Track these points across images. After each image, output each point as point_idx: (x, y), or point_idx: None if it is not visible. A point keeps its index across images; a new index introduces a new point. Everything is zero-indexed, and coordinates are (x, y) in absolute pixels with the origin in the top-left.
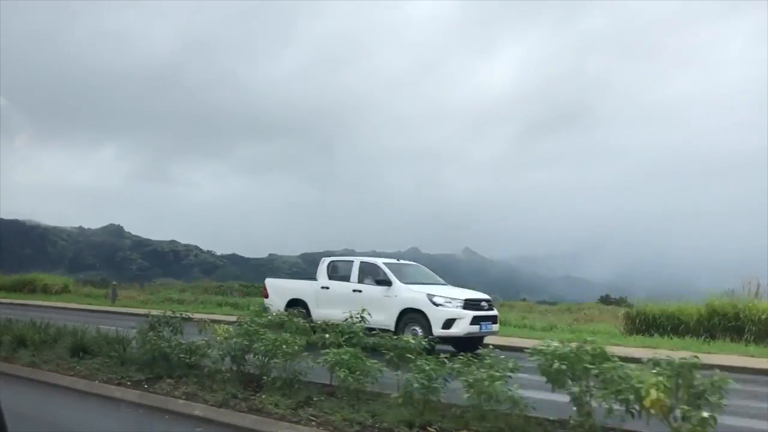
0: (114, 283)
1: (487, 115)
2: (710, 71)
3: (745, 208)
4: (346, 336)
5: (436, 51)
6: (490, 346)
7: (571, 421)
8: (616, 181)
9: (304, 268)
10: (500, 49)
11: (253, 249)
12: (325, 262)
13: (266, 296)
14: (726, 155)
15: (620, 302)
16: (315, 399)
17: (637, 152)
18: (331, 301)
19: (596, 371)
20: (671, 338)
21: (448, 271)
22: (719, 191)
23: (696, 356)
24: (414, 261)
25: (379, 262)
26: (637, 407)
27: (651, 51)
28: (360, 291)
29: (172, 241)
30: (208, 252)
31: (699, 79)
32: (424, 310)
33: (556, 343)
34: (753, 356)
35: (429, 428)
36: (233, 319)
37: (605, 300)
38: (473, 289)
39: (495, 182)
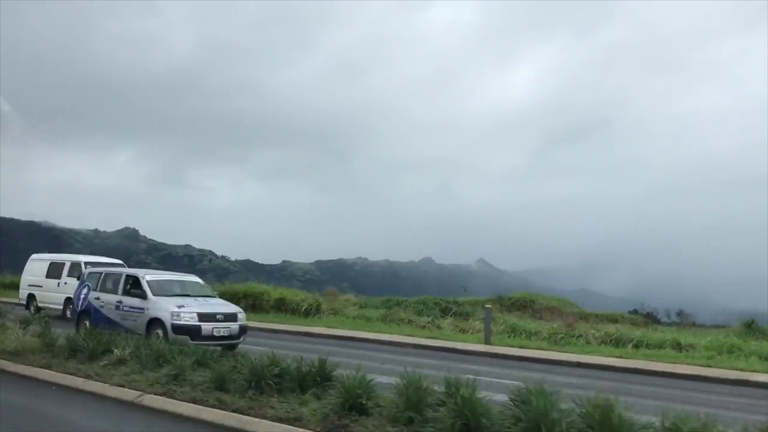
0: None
1: (505, 125)
2: (732, 86)
3: (762, 224)
4: None
5: (455, 60)
6: None
7: None
8: (633, 195)
9: (317, 275)
10: (520, 60)
11: (267, 255)
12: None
13: None
14: (745, 170)
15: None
16: None
17: (656, 166)
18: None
19: None
20: None
21: (462, 282)
22: (736, 207)
23: None
24: (427, 271)
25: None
26: None
27: (672, 65)
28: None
29: (187, 246)
30: (222, 257)
31: (720, 93)
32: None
33: None
34: None
35: None
36: None
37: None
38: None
39: (511, 193)
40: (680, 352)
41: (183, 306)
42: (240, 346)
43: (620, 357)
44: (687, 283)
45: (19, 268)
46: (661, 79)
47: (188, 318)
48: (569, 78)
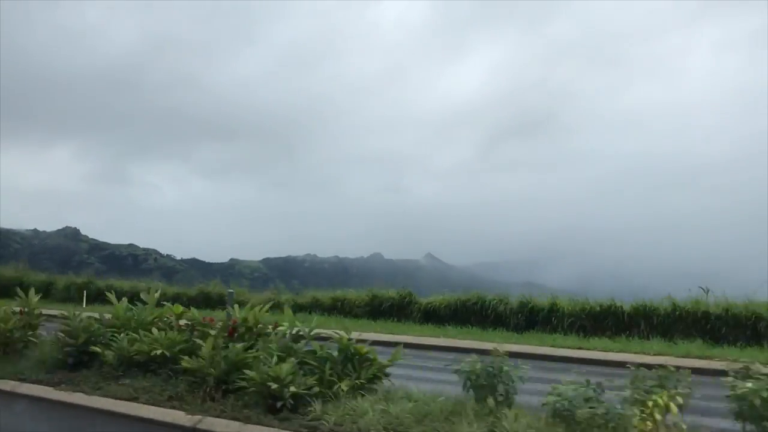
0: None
1: (452, 120)
2: (674, 80)
3: (704, 217)
4: None
5: (406, 54)
6: None
7: None
8: (579, 188)
9: (266, 273)
10: (469, 55)
11: (214, 253)
12: None
13: None
14: (688, 164)
15: None
16: None
17: (601, 160)
18: None
19: None
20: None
21: (411, 277)
22: (679, 200)
23: None
24: (376, 267)
25: None
26: None
27: (617, 60)
28: None
29: (131, 245)
30: (168, 256)
31: (663, 87)
32: None
33: None
34: None
35: None
36: None
37: None
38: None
39: (459, 188)
40: None
41: None
42: None
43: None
44: (628, 276)
45: None
46: (605, 74)
47: None
48: (517, 73)
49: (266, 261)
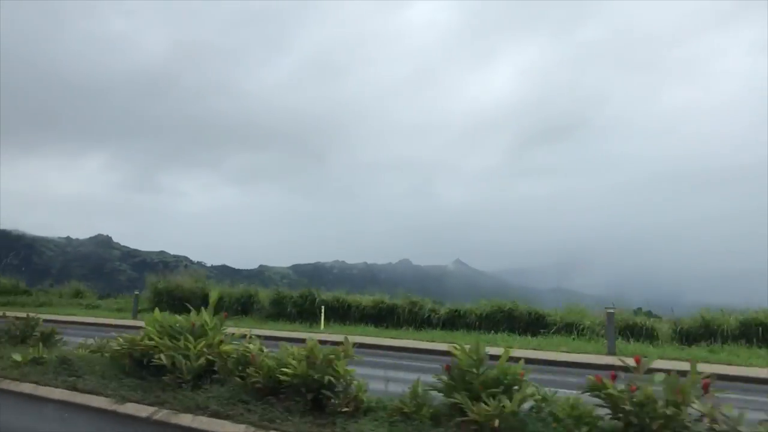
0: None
1: (482, 125)
2: (708, 83)
3: (737, 221)
4: None
5: (434, 59)
6: None
7: None
8: (609, 194)
9: (295, 279)
10: (499, 59)
11: (244, 260)
12: None
13: None
14: (720, 168)
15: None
16: None
17: (632, 165)
18: None
19: None
20: None
21: (439, 283)
22: (711, 204)
23: None
24: (404, 273)
25: None
26: None
27: (649, 63)
28: None
29: (161, 252)
30: (198, 263)
31: (696, 91)
32: None
33: None
34: None
35: None
36: None
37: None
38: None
39: (488, 194)
40: None
41: None
42: None
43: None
44: (661, 281)
45: None
46: (636, 78)
47: None
48: (547, 77)
49: (295, 267)
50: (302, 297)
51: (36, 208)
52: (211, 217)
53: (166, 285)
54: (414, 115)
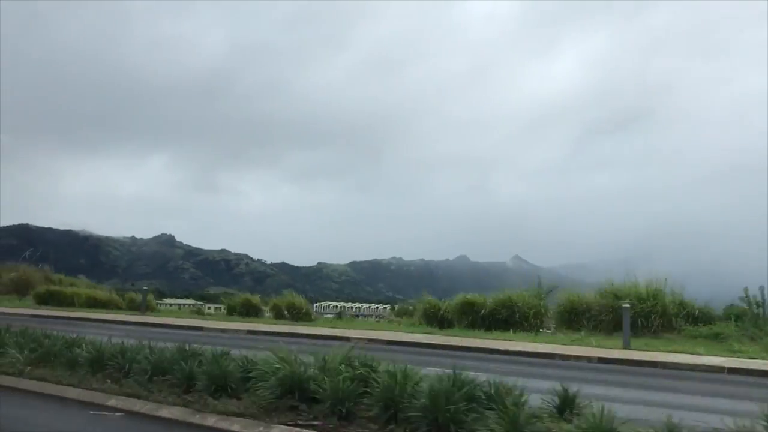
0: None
1: (541, 118)
2: None
3: None
4: None
5: (493, 52)
6: None
7: None
8: (674, 186)
9: (353, 276)
10: (561, 49)
11: (302, 257)
12: None
13: None
14: None
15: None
16: None
17: (700, 156)
18: None
19: None
20: None
21: (497, 280)
22: None
23: None
24: (462, 269)
25: None
26: None
27: (720, 49)
28: None
29: (223, 251)
30: (259, 261)
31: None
32: None
33: None
34: None
35: None
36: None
37: None
38: None
39: (547, 188)
40: None
41: None
42: None
43: None
44: (728, 277)
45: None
46: (706, 65)
47: None
48: (611, 66)
49: (353, 264)
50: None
51: (101, 208)
52: (270, 215)
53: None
54: (472, 109)
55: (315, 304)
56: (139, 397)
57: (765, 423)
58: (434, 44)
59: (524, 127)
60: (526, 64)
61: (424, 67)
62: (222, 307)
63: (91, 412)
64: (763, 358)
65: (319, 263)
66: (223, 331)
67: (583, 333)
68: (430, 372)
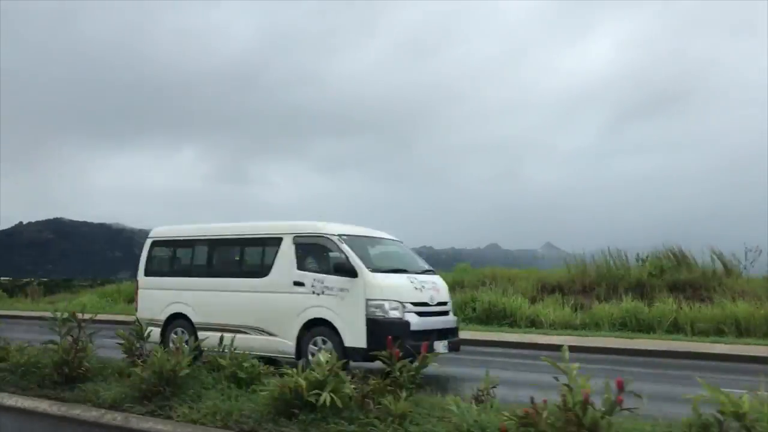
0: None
1: (576, 103)
2: None
3: None
4: None
5: (528, 35)
6: None
7: None
8: (714, 169)
9: None
10: (594, 32)
11: None
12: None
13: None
14: None
15: None
16: None
17: (739, 138)
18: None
19: None
20: None
21: (528, 267)
22: None
23: None
24: (493, 258)
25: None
26: None
27: (763, 25)
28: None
29: None
30: None
31: None
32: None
33: None
34: None
35: None
36: None
37: None
38: None
39: (581, 173)
40: None
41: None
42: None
43: None
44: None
45: (96, 272)
46: (748, 42)
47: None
48: (648, 47)
49: None
50: None
51: (132, 201)
52: (299, 204)
53: None
54: (505, 94)
55: None
56: None
57: None
58: (468, 28)
59: (558, 111)
60: (560, 46)
61: (457, 51)
62: None
63: None
64: None
65: None
66: None
67: None
68: None
